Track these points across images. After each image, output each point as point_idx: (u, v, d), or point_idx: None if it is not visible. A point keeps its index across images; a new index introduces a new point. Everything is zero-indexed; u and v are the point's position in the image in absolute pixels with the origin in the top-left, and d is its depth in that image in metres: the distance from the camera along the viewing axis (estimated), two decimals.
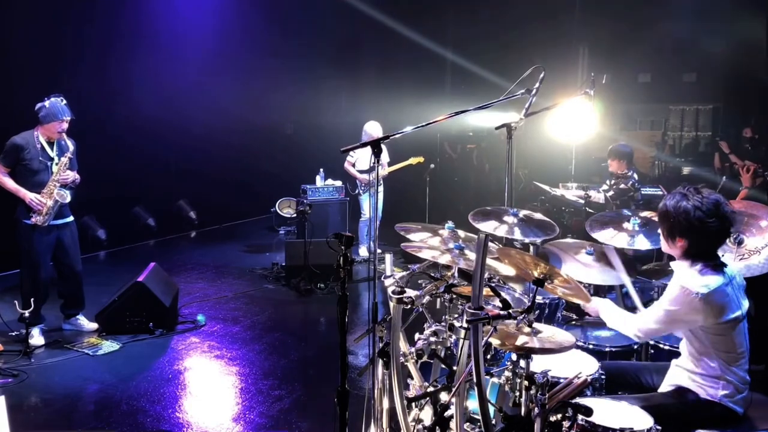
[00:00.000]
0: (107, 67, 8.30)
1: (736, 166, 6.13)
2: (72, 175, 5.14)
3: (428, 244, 3.20)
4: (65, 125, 5.04)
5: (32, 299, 4.99)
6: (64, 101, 5.04)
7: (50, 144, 5.09)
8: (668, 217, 2.70)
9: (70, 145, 5.15)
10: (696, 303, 2.57)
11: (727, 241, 3.50)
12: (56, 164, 5.07)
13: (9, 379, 4.52)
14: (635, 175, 6.32)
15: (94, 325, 5.52)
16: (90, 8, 8.09)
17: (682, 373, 2.77)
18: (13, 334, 5.21)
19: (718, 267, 2.68)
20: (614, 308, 3.01)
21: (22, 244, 5.09)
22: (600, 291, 4.73)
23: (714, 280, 2.62)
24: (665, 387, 2.86)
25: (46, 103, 4.98)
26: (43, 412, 4.14)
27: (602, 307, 3.01)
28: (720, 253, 2.80)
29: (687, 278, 2.65)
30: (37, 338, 5.17)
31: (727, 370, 2.65)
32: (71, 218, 5.32)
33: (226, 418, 4.08)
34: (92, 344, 5.23)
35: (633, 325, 2.83)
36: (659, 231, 2.86)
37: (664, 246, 2.83)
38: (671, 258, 2.90)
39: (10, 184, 4.98)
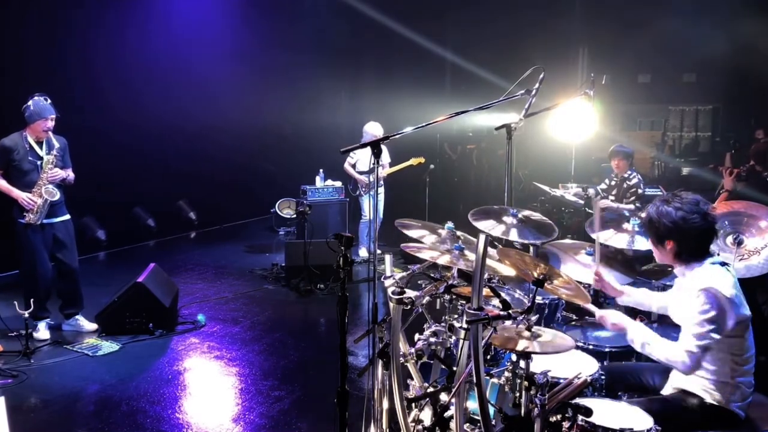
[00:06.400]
0: (107, 67, 8.30)
1: (721, 169, 6.24)
2: (61, 173, 5.16)
3: (428, 244, 3.20)
4: (50, 123, 5.08)
5: (32, 298, 5.02)
6: (49, 100, 5.07)
7: (39, 144, 5.13)
8: (653, 224, 2.74)
9: (56, 143, 5.16)
10: (725, 301, 2.53)
11: (727, 241, 3.51)
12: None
13: (9, 380, 4.52)
14: (639, 176, 6.40)
15: (94, 326, 5.52)
16: (88, 9, 8.08)
17: (688, 377, 2.69)
18: (13, 334, 5.21)
19: (723, 264, 2.68)
20: (647, 330, 2.77)
21: (19, 243, 5.17)
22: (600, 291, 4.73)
23: (729, 276, 2.62)
24: (668, 389, 2.84)
25: (30, 103, 5.02)
26: (42, 413, 4.13)
27: (632, 328, 2.77)
28: (719, 254, 2.79)
29: (706, 279, 2.60)
30: (43, 332, 5.24)
31: (737, 375, 2.62)
32: (67, 216, 5.36)
33: (226, 418, 4.08)
34: (92, 345, 5.23)
35: (679, 348, 2.57)
36: (649, 242, 2.88)
37: (657, 255, 2.84)
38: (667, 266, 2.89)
39: (3, 184, 5.06)
